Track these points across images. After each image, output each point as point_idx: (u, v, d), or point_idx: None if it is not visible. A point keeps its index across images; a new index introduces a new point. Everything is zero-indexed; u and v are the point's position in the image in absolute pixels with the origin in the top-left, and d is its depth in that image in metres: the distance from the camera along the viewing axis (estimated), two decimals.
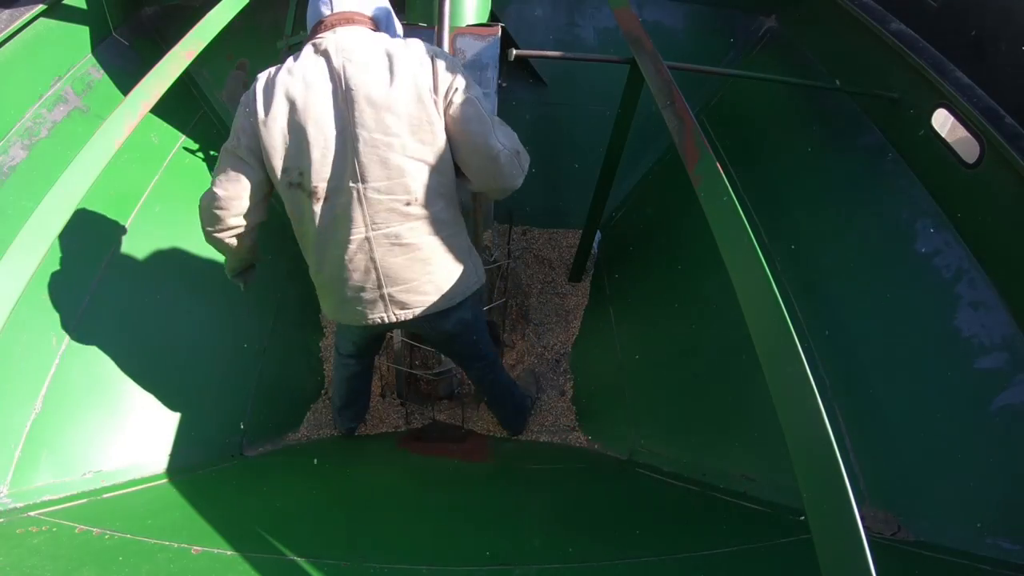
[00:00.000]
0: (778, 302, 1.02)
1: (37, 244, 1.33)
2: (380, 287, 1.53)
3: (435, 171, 1.45)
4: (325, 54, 1.39)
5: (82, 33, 2.34)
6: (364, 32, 1.43)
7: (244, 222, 1.52)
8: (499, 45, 2.21)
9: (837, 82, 2.18)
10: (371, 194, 1.42)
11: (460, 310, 1.69)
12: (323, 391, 2.49)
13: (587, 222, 2.56)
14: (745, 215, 1.17)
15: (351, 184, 1.40)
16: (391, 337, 2.40)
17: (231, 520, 1.49)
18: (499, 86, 2.22)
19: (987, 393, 1.47)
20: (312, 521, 1.59)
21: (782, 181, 2.26)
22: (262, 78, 1.42)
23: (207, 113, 2.76)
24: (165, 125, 2.47)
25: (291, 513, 1.63)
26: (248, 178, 1.45)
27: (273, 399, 2.28)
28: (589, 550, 1.44)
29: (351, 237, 1.46)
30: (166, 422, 1.91)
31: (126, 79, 2.36)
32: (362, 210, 1.43)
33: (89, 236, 1.98)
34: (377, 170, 1.40)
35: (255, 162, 1.44)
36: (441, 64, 1.42)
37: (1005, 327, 1.51)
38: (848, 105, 2.16)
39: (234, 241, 1.56)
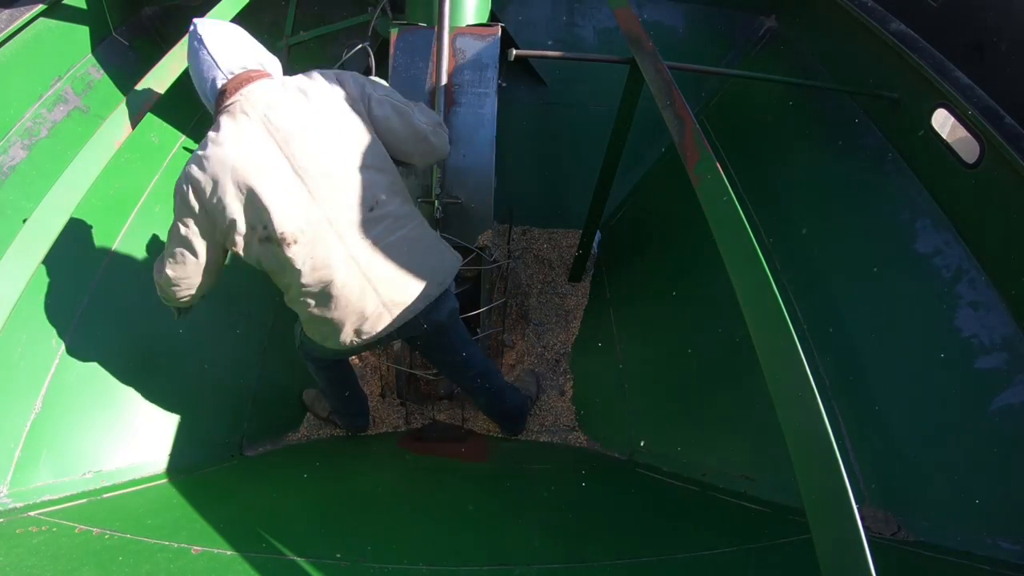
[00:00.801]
0: (778, 302, 1.02)
1: (37, 244, 1.33)
2: (379, 296, 1.57)
3: (381, 172, 1.54)
4: (243, 113, 1.44)
5: (82, 33, 2.34)
6: (266, 82, 1.48)
7: (198, 292, 1.61)
8: (499, 45, 2.21)
9: (837, 82, 2.18)
10: (337, 214, 1.48)
11: (449, 298, 1.76)
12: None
13: (587, 222, 2.56)
14: (745, 215, 1.17)
15: (316, 216, 1.46)
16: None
17: (231, 520, 1.49)
18: (499, 86, 2.22)
19: (987, 393, 1.47)
20: (312, 521, 1.59)
21: (782, 181, 2.26)
22: (192, 162, 1.45)
23: (207, 113, 2.76)
24: (165, 125, 2.46)
25: (291, 513, 1.63)
26: (199, 257, 1.51)
27: (273, 399, 2.28)
28: (589, 550, 1.44)
29: (336, 264, 1.50)
30: (166, 422, 1.91)
31: (126, 79, 2.36)
32: (335, 234, 1.48)
33: (89, 236, 1.98)
34: (333, 193, 1.47)
35: (206, 240, 1.49)
36: (347, 79, 1.54)
37: (1005, 327, 1.51)
38: (848, 105, 2.16)
39: (188, 303, 1.67)
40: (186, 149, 2.51)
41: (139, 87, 1.62)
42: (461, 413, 2.50)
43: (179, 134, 2.52)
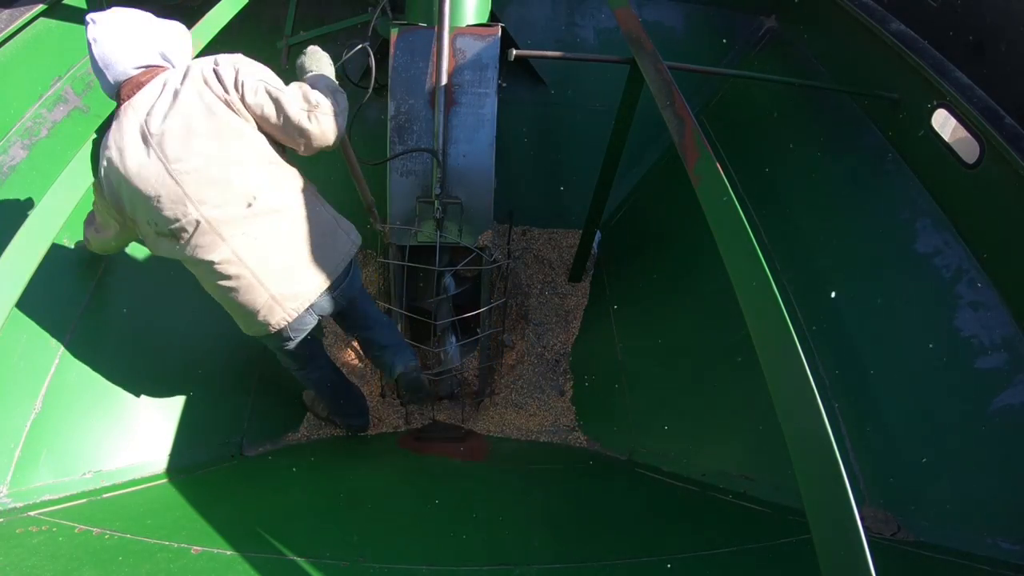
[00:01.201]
0: (778, 302, 1.02)
1: (37, 244, 1.33)
2: (268, 291, 1.60)
3: (258, 166, 1.54)
4: (127, 119, 1.47)
5: (82, 33, 2.32)
6: (151, 85, 1.49)
7: (117, 245, 1.74)
8: (499, 45, 2.21)
9: (837, 82, 2.18)
10: (214, 213, 1.49)
11: (353, 276, 1.79)
12: None
13: (587, 222, 2.56)
14: (745, 215, 1.17)
15: (193, 213, 1.48)
16: None
17: (231, 520, 1.49)
18: (499, 86, 2.22)
19: (987, 393, 1.47)
20: (312, 521, 1.59)
21: (782, 181, 2.26)
22: (99, 156, 1.51)
23: None
24: None
25: (291, 513, 1.63)
26: (111, 225, 1.62)
27: (273, 399, 2.28)
28: (589, 550, 1.44)
29: (220, 258, 1.54)
30: (166, 422, 1.91)
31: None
32: (214, 230, 1.51)
33: None
34: (208, 191, 1.48)
35: (115, 216, 1.58)
36: (223, 70, 1.50)
37: (1005, 327, 1.51)
38: (848, 105, 2.16)
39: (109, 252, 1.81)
40: None
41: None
42: (461, 413, 2.51)
43: None
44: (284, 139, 1.58)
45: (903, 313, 1.70)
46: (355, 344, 2.65)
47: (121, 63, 1.47)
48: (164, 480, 1.76)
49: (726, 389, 1.93)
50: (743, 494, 1.67)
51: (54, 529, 1.37)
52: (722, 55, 2.87)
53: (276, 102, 1.51)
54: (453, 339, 2.56)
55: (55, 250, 1.34)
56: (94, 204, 1.64)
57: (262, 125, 1.55)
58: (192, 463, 1.88)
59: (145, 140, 1.45)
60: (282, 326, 1.66)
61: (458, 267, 2.39)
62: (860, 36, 2.14)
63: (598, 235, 2.88)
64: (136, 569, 1.21)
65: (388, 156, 2.19)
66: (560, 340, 2.73)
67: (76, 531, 1.37)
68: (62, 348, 1.76)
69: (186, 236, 1.51)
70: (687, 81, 1.94)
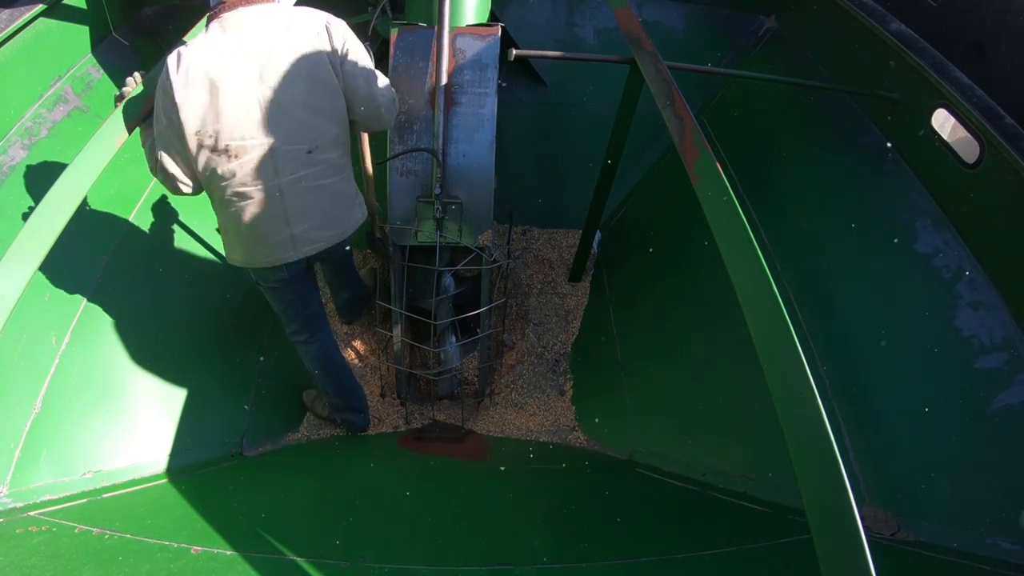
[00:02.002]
0: (778, 302, 1.02)
1: (37, 244, 1.33)
2: (290, 228, 1.72)
3: (331, 121, 1.66)
4: (231, 30, 1.54)
5: (82, 33, 2.34)
6: (261, 8, 1.57)
7: (192, 184, 1.68)
8: (499, 45, 2.21)
9: (837, 82, 2.18)
10: (279, 146, 1.59)
11: (348, 241, 1.95)
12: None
13: (587, 222, 2.56)
14: (745, 215, 1.17)
15: (261, 140, 1.58)
16: (391, 338, 2.41)
17: (231, 520, 1.49)
18: (499, 86, 2.22)
19: (987, 393, 1.47)
20: (312, 521, 1.59)
21: (782, 181, 2.26)
22: (172, 60, 1.53)
23: None
24: None
25: (291, 513, 1.63)
26: (180, 156, 1.60)
27: (273, 399, 2.28)
28: (589, 550, 1.45)
29: (264, 187, 1.63)
30: (166, 422, 1.91)
31: (126, 79, 2.36)
32: (272, 162, 1.61)
33: (89, 236, 1.97)
34: (283, 124, 1.58)
35: (180, 140, 1.57)
36: (335, 31, 1.62)
37: (1005, 327, 1.51)
38: (848, 105, 2.16)
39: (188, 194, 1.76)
40: None
41: (139, 87, 1.62)
42: (461, 413, 2.51)
43: None
44: (353, 109, 1.70)
45: (903, 313, 1.70)
46: (355, 344, 2.65)
47: None
48: (164, 480, 1.76)
49: (726, 389, 1.93)
50: (743, 494, 1.67)
51: (54, 529, 1.37)
52: (722, 55, 2.87)
53: (368, 79, 1.67)
54: (453, 339, 2.56)
55: (56, 250, 1.33)
56: (156, 142, 1.62)
57: (345, 91, 1.66)
58: (192, 463, 1.88)
59: (245, 55, 1.52)
60: (287, 262, 1.77)
61: (458, 267, 2.39)
62: (860, 36, 2.14)
63: (598, 235, 2.88)
64: (136, 569, 1.21)
65: (388, 156, 2.19)
66: (560, 340, 2.73)
67: (76, 531, 1.37)
68: (62, 348, 1.76)
69: (243, 157, 1.58)
70: (687, 81, 1.94)
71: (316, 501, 1.75)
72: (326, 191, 1.73)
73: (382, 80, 1.76)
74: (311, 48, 1.58)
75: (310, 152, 1.64)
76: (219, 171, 1.60)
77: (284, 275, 1.84)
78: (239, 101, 1.53)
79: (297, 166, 1.64)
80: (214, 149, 1.56)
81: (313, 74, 1.59)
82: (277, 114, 1.56)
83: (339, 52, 1.63)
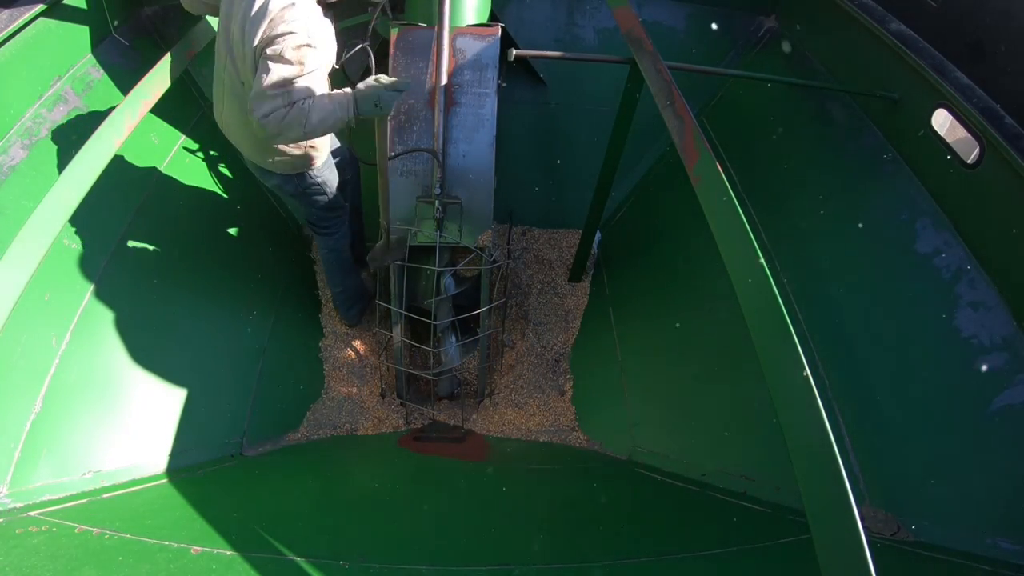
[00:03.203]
0: (778, 302, 1.02)
1: (37, 244, 1.33)
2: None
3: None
4: None
5: (82, 33, 2.33)
6: None
7: None
8: (499, 45, 2.21)
9: (837, 82, 2.18)
10: (230, 69, 1.86)
11: (275, 178, 2.11)
12: (323, 391, 2.49)
13: (587, 222, 2.56)
14: (745, 215, 1.17)
15: (226, 64, 1.87)
16: (391, 338, 2.41)
17: (231, 520, 1.49)
18: (499, 86, 2.22)
19: (987, 393, 1.47)
20: (312, 521, 1.59)
21: (782, 181, 2.26)
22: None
23: (207, 113, 2.76)
24: (165, 125, 2.46)
25: (291, 513, 1.63)
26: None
27: (273, 399, 2.28)
28: (589, 550, 1.44)
29: (223, 94, 1.95)
30: (166, 422, 1.90)
31: (126, 79, 2.36)
32: (225, 79, 1.90)
33: (89, 236, 1.97)
34: (232, 62, 1.84)
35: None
36: (278, 22, 1.68)
37: (1005, 327, 1.51)
38: (848, 105, 2.16)
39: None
40: (186, 149, 2.51)
41: (139, 87, 1.62)
42: (461, 413, 2.51)
43: (179, 134, 2.51)
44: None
45: (903, 313, 1.70)
46: (355, 344, 2.65)
47: None
48: (164, 480, 1.76)
49: (726, 389, 1.93)
50: (743, 494, 1.67)
51: (54, 529, 1.37)
52: (722, 55, 2.87)
53: (260, 70, 1.69)
54: (453, 339, 2.56)
55: (55, 250, 1.34)
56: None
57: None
58: (192, 463, 1.88)
59: (236, 8, 1.78)
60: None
61: (458, 267, 2.39)
62: (860, 36, 2.14)
63: (598, 235, 2.88)
64: (136, 569, 1.21)
65: (389, 156, 2.19)
66: (560, 340, 2.73)
67: (76, 531, 1.37)
68: (62, 348, 1.76)
69: (217, 65, 1.90)
70: (687, 81, 1.94)
71: (316, 501, 1.75)
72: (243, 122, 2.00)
73: (272, 76, 1.68)
74: (252, 30, 1.74)
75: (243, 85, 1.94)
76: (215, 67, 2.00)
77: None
78: (222, 36, 1.91)
79: (231, 93, 1.99)
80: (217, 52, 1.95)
81: (245, 50, 1.77)
82: (233, 56, 1.88)
83: (268, 41, 1.69)
